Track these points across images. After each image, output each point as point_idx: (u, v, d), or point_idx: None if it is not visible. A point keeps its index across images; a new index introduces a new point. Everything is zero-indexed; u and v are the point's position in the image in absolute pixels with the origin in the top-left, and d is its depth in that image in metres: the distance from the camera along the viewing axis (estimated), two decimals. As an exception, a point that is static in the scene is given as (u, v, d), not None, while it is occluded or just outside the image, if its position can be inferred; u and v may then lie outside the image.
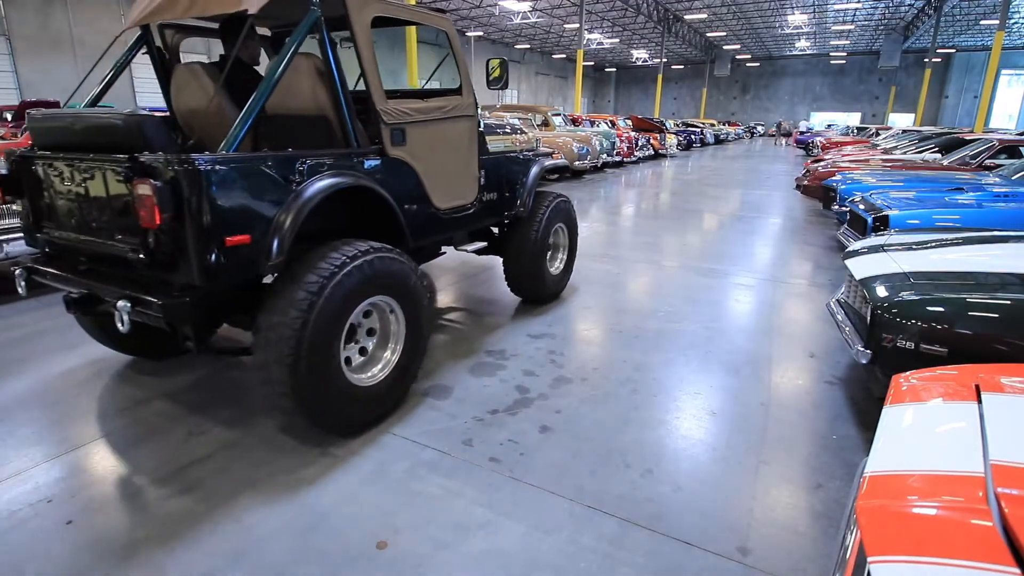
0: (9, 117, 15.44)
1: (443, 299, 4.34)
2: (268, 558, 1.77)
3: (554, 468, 2.25)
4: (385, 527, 1.91)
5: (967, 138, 8.86)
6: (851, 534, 1.12)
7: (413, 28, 12.57)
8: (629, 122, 20.40)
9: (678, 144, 22.33)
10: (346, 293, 2.25)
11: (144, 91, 23.99)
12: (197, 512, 1.97)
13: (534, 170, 3.96)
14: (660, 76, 36.83)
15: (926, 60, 29.75)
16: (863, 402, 2.82)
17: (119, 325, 2.08)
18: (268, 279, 2.28)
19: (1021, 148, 7.18)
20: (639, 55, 50.53)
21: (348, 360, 2.43)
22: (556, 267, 4.26)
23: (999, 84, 40.14)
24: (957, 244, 2.96)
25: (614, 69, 60.29)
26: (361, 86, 2.70)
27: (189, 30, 3.15)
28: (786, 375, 3.12)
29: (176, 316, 2.09)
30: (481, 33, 41.11)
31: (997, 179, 5.48)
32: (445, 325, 3.79)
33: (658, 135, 19.26)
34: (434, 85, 2.99)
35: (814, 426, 2.60)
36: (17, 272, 2.54)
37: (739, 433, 2.53)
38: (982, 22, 34.15)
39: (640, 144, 17.50)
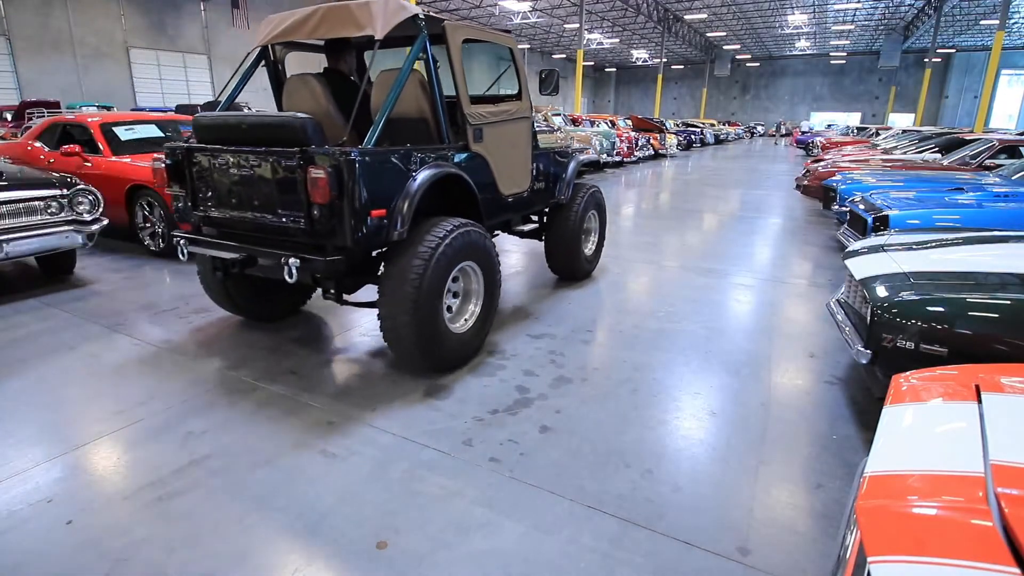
0: (9, 117, 15.45)
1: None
2: (268, 558, 1.77)
3: (554, 468, 2.25)
4: (385, 527, 1.91)
5: (967, 138, 8.86)
6: (851, 534, 1.12)
7: None
8: (629, 122, 20.41)
9: (678, 144, 22.32)
10: (448, 258, 2.86)
11: (143, 91, 24.02)
12: (197, 512, 1.97)
13: (573, 164, 4.57)
14: (660, 76, 36.84)
15: (926, 60, 29.75)
16: (863, 402, 2.82)
17: (287, 278, 2.66)
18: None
19: (1021, 148, 7.18)
20: (639, 55, 50.53)
21: (449, 308, 3.04)
22: (589, 248, 4.89)
23: (999, 84, 40.13)
24: (957, 244, 2.96)
25: (614, 69, 60.28)
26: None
27: (294, 45, 3.67)
28: (786, 375, 3.12)
29: (331, 271, 2.69)
30: (481, 33, 41.00)
31: (997, 179, 5.48)
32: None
33: (658, 135, 19.26)
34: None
35: (814, 426, 2.60)
36: (179, 241, 3.09)
37: (739, 433, 2.53)
38: (982, 22, 34.17)
39: (640, 144, 17.50)
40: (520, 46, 45.81)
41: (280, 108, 3.64)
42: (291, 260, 2.64)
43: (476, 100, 3.82)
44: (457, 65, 3.19)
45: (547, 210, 4.54)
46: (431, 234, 2.83)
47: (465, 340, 3.11)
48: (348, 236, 2.59)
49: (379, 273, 3.02)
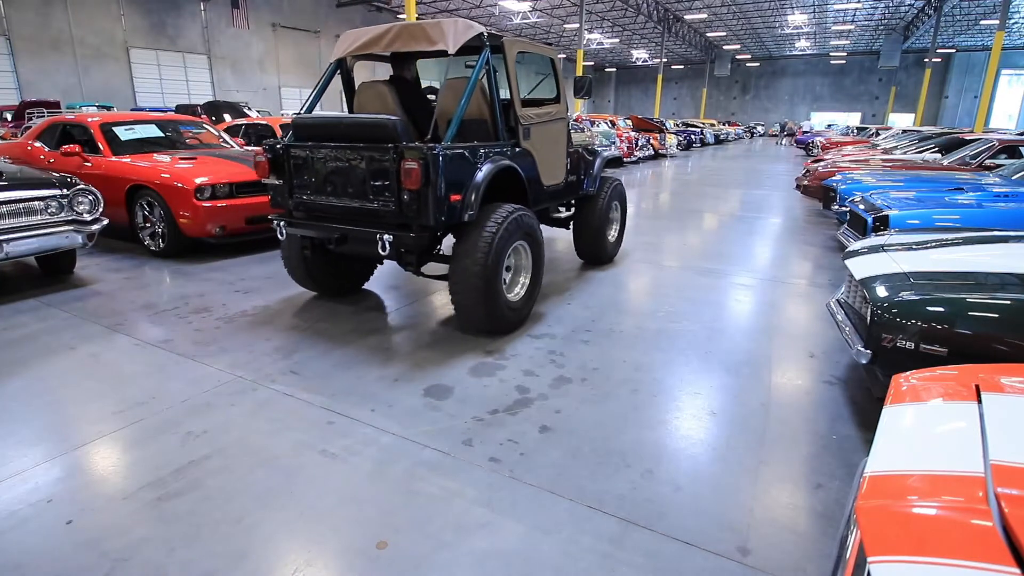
0: (9, 117, 15.44)
1: (444, 300, 4.34)
2: (268, 558, 1.77)
3: (554, 468, 2.25)
4: (385, 527, 1.91)
5: (967, 138, 8.86)
6: (851, 534, 1.12)
7: None
8: (629, 122, 20.40)
9: (678, 144, 22.31)
10: (507, 237, 3.38)
11: (143, 91, 24.02)
12: (197, 512, 1.97)
13: (599, 160, 5.11)
14: (660, 76, 36.84)
15: (926, 60, 29.74)
16: (863, 402, 2.82)
17: (380, 251, 3.22)
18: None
19: (1021, 148, 7.18)
20: (639, 55, 50.53)
21: (503, 280, 3.52)
22: (612, 235, 5.46)
23: (999, 84, 40.14)
24: (957, 244, 2.95)
25: (614, 69, 60.26)
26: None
27: (363, 55, 4.04)
28: (786, 375, 3.12)
29: (416, 245, 3.23)
30: (481, 33, 41.01)
31: (997, 179, 5.47)
32: (445, 325, 3.79)
33: (658, 135, 19.25)
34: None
35: (814, 426, 2.60)
36: (279, 223, 3.64)
37: (739, 433, 2.53)
38: (982, 22, 34.16)
39: (640, 144, 17.50)
40: (520, 46, 45.99)
41: (351, 110, 4.23)
42: (385, 236, 3.20)
43: (523, 103, 4.22)
44: (512, 74, 3.74)
45: (575, 200, 5.09)
46: (493, 217, 3.38)
47: (517, 307, 3.64)
48: (432, 216, 3.12)
49: (440, 250, 3.73)
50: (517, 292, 3.73)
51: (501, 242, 3.34)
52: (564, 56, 48.90)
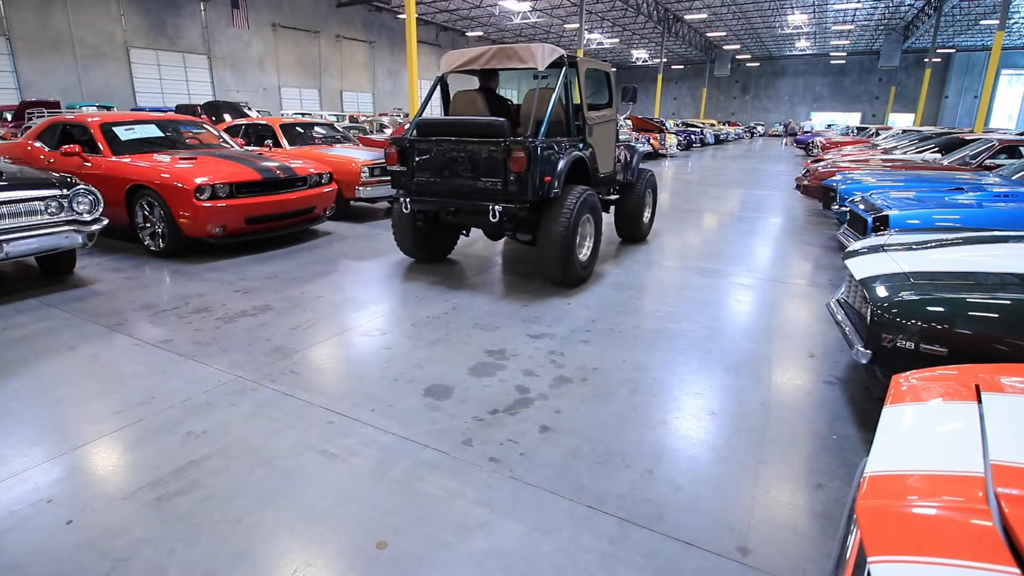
0: (9, 117, 15.44)
1: (441, 304, 4.34)
2: (268, 558, 1.77)
3: (554, 468, 2.25)
4: (385, 527, 1.91)
5: (967, 138, 8.85)
6: (851, 534, 1.12)
7: (414, 27, 16.18)
8: (629, 122, 20.38)
9: (678, 144, 22.30)
10: (581, 210, 4.42)
11: (143, 91, 24.04)
12: (197, 512, 1.97)
13: (638, 154, 6.27)
14: (660, 76, 36.84)
15: (926, 60, 29.74)
16: (863, 402, 2.82)
17: (491, 218, 4.25)
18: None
19: (1021, 148, 7.18)
20: (639, 55, 50.53)
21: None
22: (646, 217, 6.50)
23: (999, 84, 40.15)
24: (957, 244, 2.95)
25: (614, 69, 60.24)
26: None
27: (462, 71, 4.94)
28: (786, 375, 3.12)
29: (518, 214, 4.28)
30: (481, 33, 41.12)
31: (997, 179, 5.47)
32: (445, 326, 3.79)
33: (658, 135, 19.23)
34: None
35: (814, 426, 2.60)
36: (404, 199, 4.62)
37: (739, 433, 2.53)
38: (982, 22, 34.16)
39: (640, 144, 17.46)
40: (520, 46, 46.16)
41: (446, 113, 5.37)
42: (496, 207, 4.23)
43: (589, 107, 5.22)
44: (582, 86, 4.81)
45: (617, 188, 6.11)
46: (572, 195, 4.39)
47: (584, 265, 4.68)
48: (531, 192, 4.12)
49: (530, 221, 4.64)
50: (584, 253, 4.73)
51: (577, 214, 4.35)
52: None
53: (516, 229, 4.64)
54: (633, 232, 6.30)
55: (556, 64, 4.61)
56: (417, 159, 4.54)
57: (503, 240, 6.26)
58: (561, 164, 4.31)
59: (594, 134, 5.03)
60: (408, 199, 4.60)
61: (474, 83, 5.37)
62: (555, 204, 4.35)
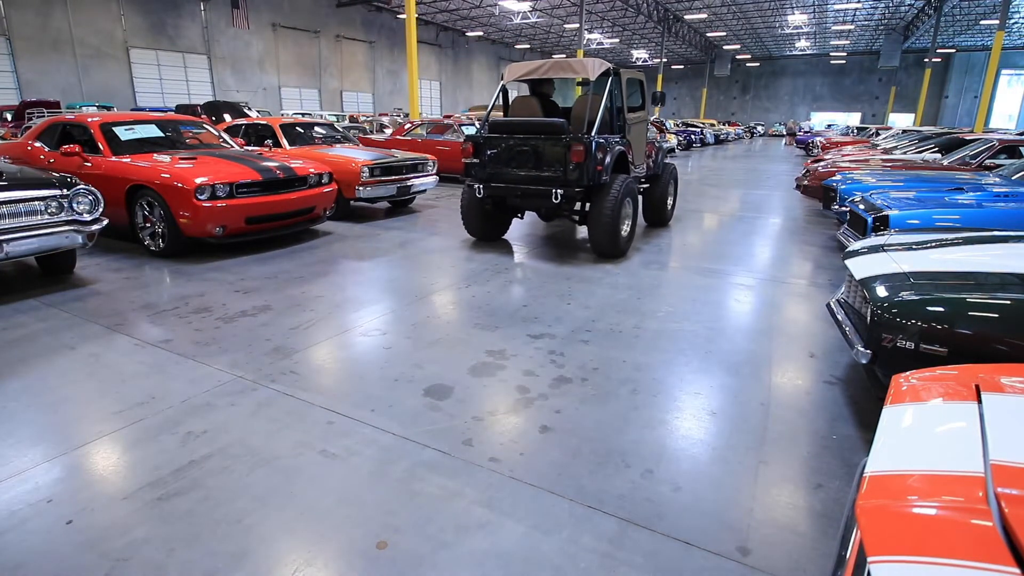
0: (9, 117, 15.44)
1: (443, 301, 4.34)
2: (268, 558, 1.77)
3: (554, 468, 2.25)
4: (385, 527, 1.91)
5: (967, 138, 8.85)
6: (851, 534, 1.12)
7: (414, 27, 16.46)
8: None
9: (678, 144, 22.30)
10: (623, 194, 5.34)
11: (143, 91, 24.04)
12: (197, 512, 1.97)
13: (663, 151, 7.41)
14: (660, 76, 36.84)
15: (926, 60, 29.74)
16: (863, 402, 2.82)
17: (553, 200, 5.21)
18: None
19: (1021, 148, 7.18)
20: (639, 55, 50.53)
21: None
22: (670, 204, 7.43)
23: (999, 84, 40.15)
24: (957, 244, 2.95)
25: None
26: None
27: (521, 80, 5.90)
28: (786, 375, 3.12)
29: (576, 196, 5.28)
30: (481, 33, 41.13)
31: (997, 179, 5.47)
32: (444, 325, 3.79)
33: (658, 135, 19.23)
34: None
35: (814, 426, 2.60)
36: (478, 188, 5.59)
37: (739, 433, 2.53)
38: (982, 22, 34.16)
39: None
40: (519, 46, 45.91)
41: (505, 115, 6.12)
42: (558, 191, 5.16)
43: (629, 110, 6.19)
44: (624, 92, 5.91)
45: (647, 178, 7.03)
46: (617, 182, 5.36)
47: (626, 240, 5.64)
48: (587, 179, 5.11)
49: (585, 206, 5.83)
50: (625, 230, 5.64)
51: (622, 198, 5.28)
52: (564, 56, 48.87)
53: (570, 209, 5.72)
54: (659, 217, 7.25)
55: (603, 75, 5.60)
56: (489, 152, 5.48)
57: (504, 243, 6.32)
58: (609, 157, 5.27)
59: (631, 132, 6.01)
60: (481, 186, 5.53)
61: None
62: (604, 189, 5.27)
